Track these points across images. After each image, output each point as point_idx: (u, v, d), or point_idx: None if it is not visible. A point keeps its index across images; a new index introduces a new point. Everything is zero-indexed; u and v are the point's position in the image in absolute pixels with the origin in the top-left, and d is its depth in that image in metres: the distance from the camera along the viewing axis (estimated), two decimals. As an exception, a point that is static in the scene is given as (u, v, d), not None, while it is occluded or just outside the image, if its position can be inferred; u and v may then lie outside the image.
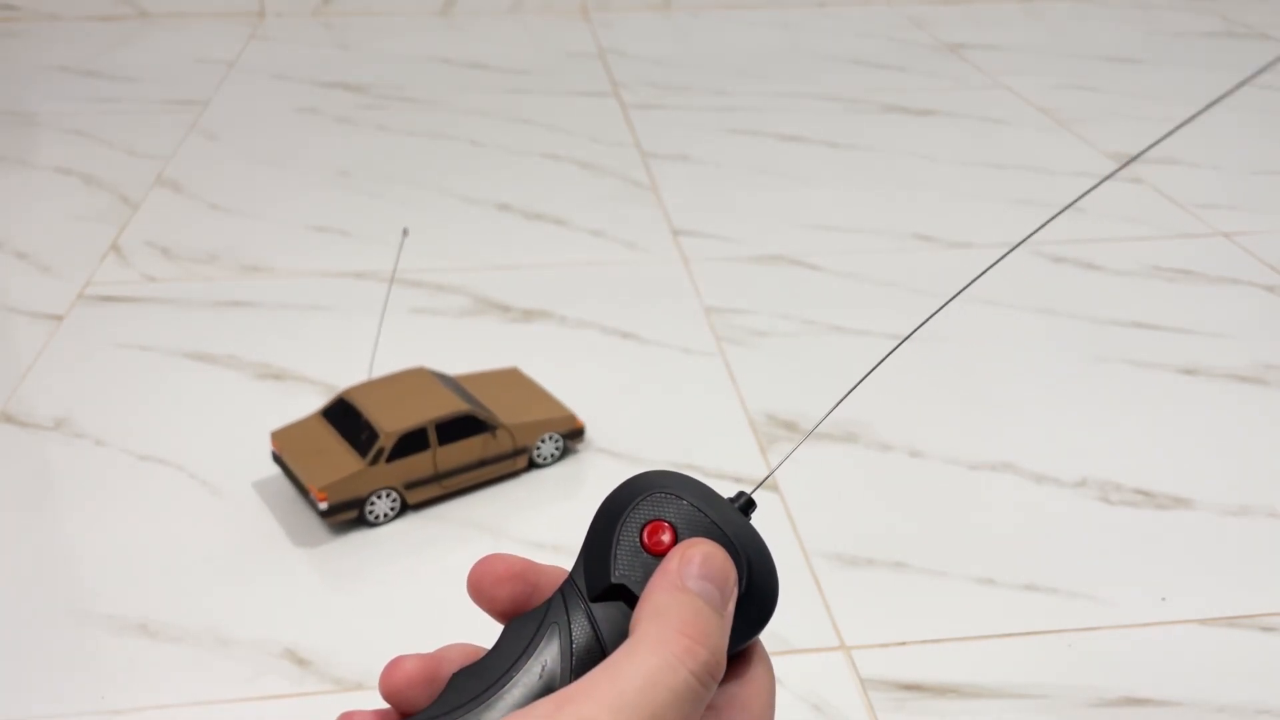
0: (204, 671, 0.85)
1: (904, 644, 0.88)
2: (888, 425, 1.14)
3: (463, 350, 1.26)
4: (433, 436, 0.98)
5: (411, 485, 0.99)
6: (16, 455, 1.09)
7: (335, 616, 0.91)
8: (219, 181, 1.70)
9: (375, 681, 0.84)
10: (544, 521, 1.01)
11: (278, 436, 1.01)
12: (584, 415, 1.12)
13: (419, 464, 0.98)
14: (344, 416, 1.01)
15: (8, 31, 2.44)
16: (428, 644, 0.44)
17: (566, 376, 1.21)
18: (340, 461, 0.96)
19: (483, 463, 1.01)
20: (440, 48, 2.37)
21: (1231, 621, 0.91)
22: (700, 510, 0.39)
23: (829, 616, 0.91)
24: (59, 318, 1.33)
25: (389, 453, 0.96)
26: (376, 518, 0.98)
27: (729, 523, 0.39)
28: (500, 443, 1.02)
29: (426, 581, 0.94)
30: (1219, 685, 0.85)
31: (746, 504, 0.41)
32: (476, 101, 2.04)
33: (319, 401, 1.16)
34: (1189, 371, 1.24)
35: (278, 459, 1.01)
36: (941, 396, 1.19)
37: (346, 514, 0.97)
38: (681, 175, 1.73)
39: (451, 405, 1.00)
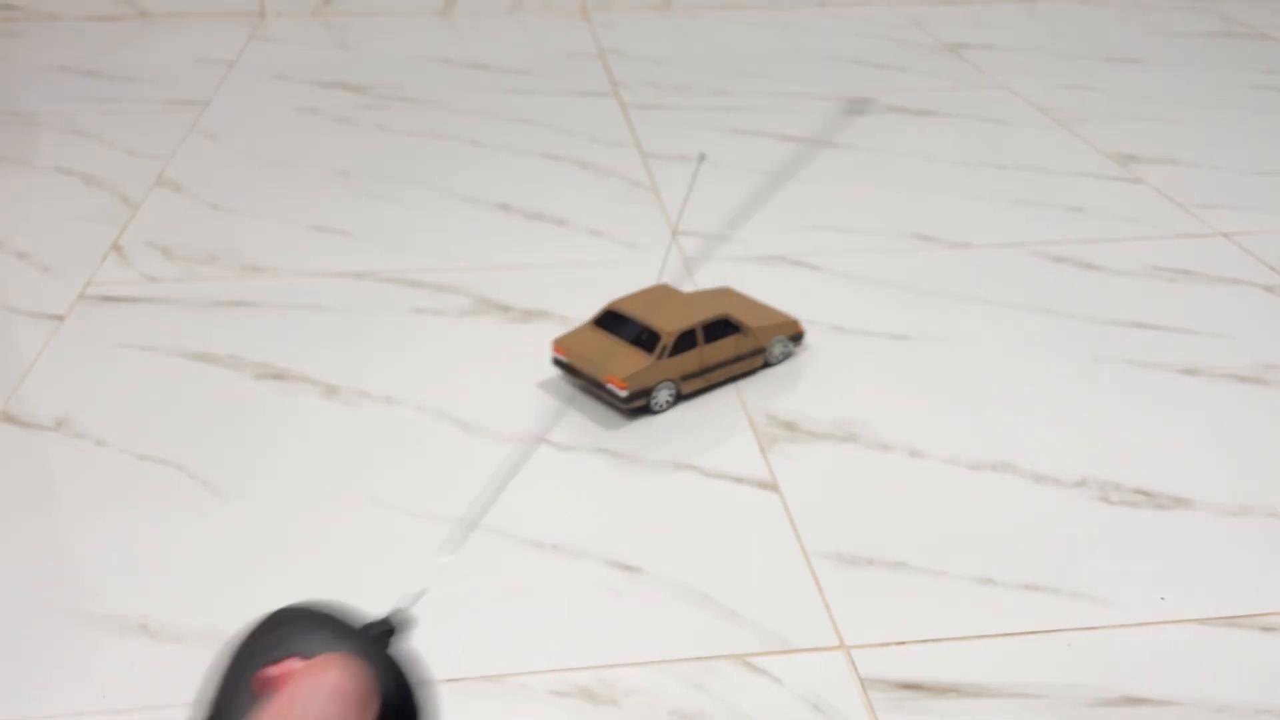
0: (204, 671, 0.85)
1: (903, 643, 0.88)
2: (887, 425, 1.14)
3: (464, 350, 1.26)
4: (700, 336, 1.15)
5: (686, 378, 1.15)
6: (17, 455, 1.09)
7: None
8: (219, 181, 1.70)
9: (375, 681, 0.85)
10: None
11: (561, 343, 1.16)
12: (584, 415, 1.12)
13: (690, 359, 1.14)
14: (616, 323, 1.16)
15: (8, 31, 2.44)
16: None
17: (566, 376, 1.21)
18: (632, 358, 1.12)
19: (734, 359, 1.18)
20: (440, 48, 2.37)
21: (1231, 621, 0.91)
22: (325, 643, 0.36)
23: (829, 616, 0.91)
24: (60, 318, 1.33)
25: (670, 349, 1.13)
26: (660, 406, 1.15)
27: (359, 651, 0.36)
28: (747, 342, 1.18)
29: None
30: (1218, 685, 0.85)
31: (386, 631, 0.38)
32: (477, 101, 2.05)
33: (320, 401, 1.16)
34: (1189, 371, 1.24)
35: (560, 362, 1.16)
36: (941, 396, 1.19)
37: (638, 401, 1.12)
38: (682, 175, 1.74)
39: (712, 309, 1.17)
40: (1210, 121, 1.98)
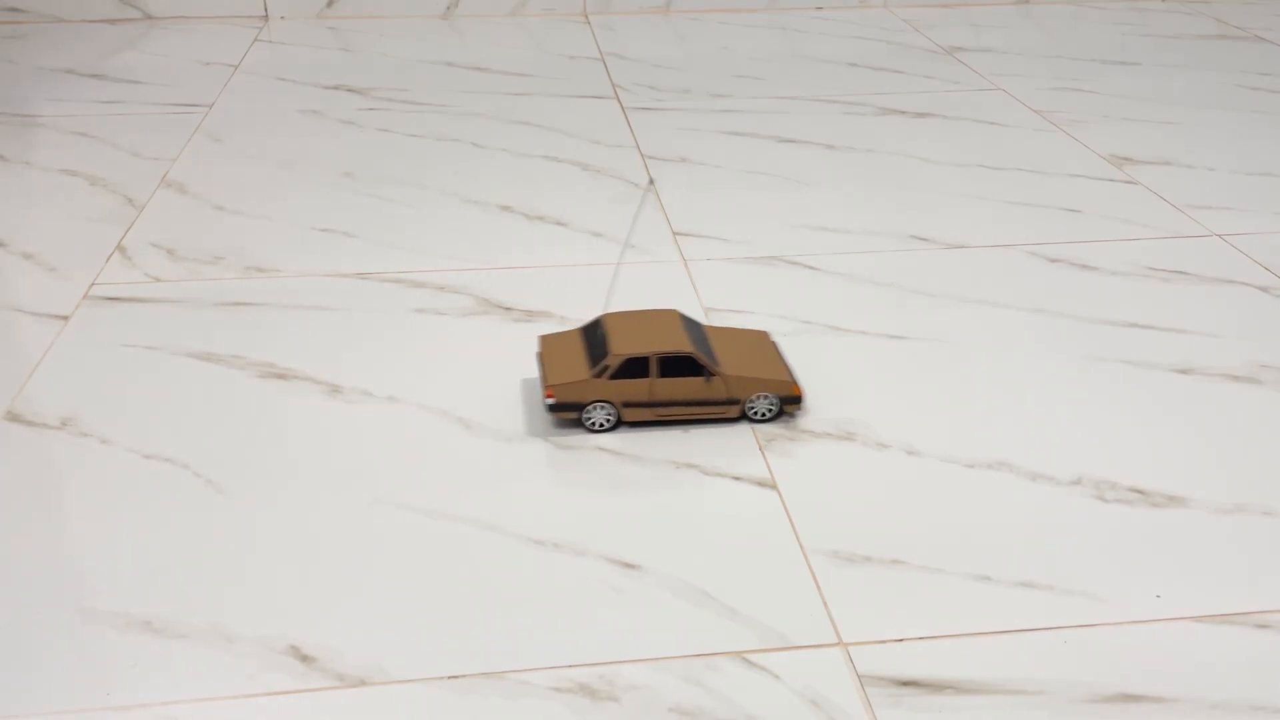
0: (208, 668, 0.86)
1: (901, 640, 0.89)
2: (885, 424, 1.15)
3: (466, 350, 1.27)
4: (654, 367, 1.11)
5: (629, 404, 1.12)
6: (23, 454, 1.10)
7: (339, 613, 0.92)
8: (223, 183, 1.71)
9: (378, 677, 0.86)
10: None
11: (544, 339, 1.17)
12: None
13: (636, 388, 1.11)
14: (594, 334, 1.15)
15: (14, 34, 2.45)
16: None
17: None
18: (575, 370, 1.12)
19: (696, 402, 1.13)
20: (442, 51, 2.38)
21: (1225, 619, 0.92)
22: None
23: (827, 613, 0.92)
24: (65, 318, 1.34)
25: (613, 371, 1.10)
26: (596, 425, 1.12)
27: None
28: (714, 388, 1.12)
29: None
30: (1213, 682, 0.86)
31: None
32: (478, 104, 2.06)
33: (323, 400, 1.17)
34: (1183, 371, 1.25)
35: (539, 358, 1.16)
36: (938, 396, 1.20)
37: (568, 413, 1.12)
38: (681, 177, 1.75)
39: (678, 344, 1.11)
40: (1205, 123, 1.99)
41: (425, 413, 1.16)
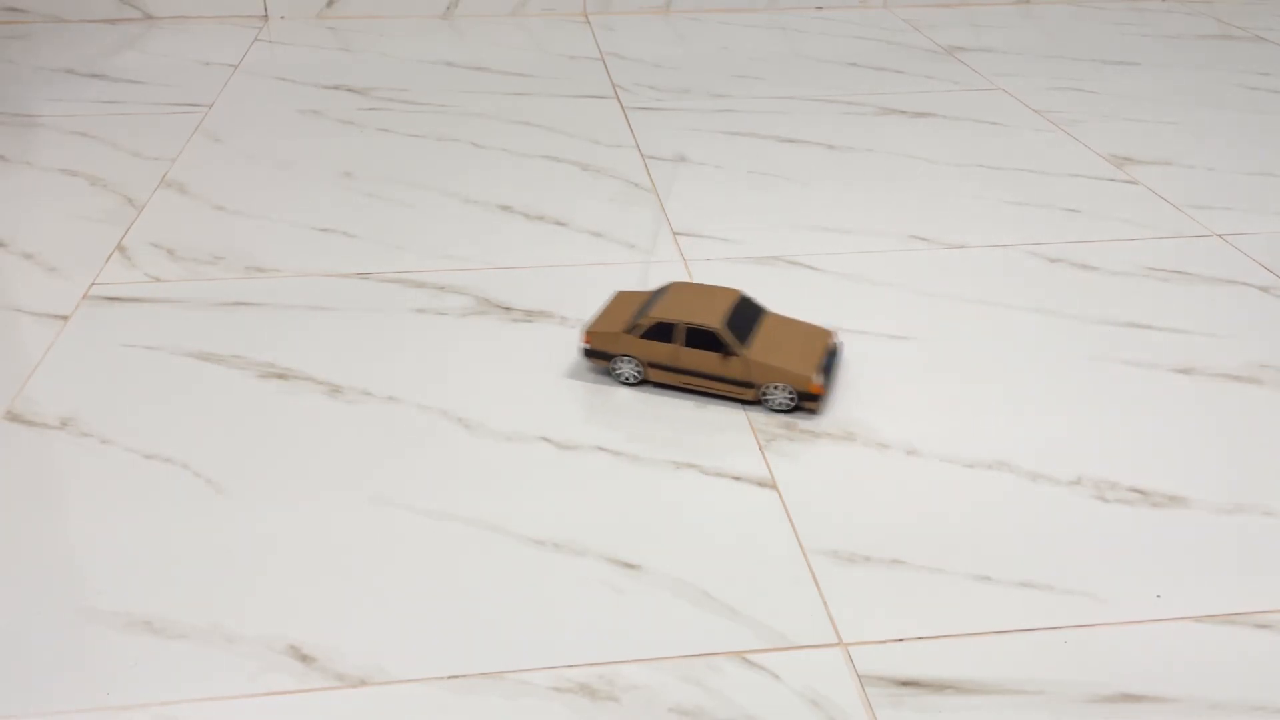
0: (208, 668, 0.86)
1: (901, 640, 0.89)
2: (885, 424, 1.15)
3: (465, 350, 1.27)
4: (681, 335, 1.17)
5: (653, 365, 1.19)
6: (23, 454, 1.10)
7: (339, 613, 0.92)
8: (223, 183, 1.71)
9: (378, 677, 0.86)
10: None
11: (618, 292, 1.28)
12: (583, 416, 1.13)
13: (662, 351, 1.18)
14: (655, 297, 1.23)
15: (14, 34, 2.45)
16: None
17: (568, 376, 1.22)
18: (614, 323, 1.21)
19: (714, 377, 1.18)
20: (442, 50, 2.38)
21: (1226, 619, 0.92)
22: None
23: (827, 613, 0.92)
24: (65, 318, 1.34)
25: (643, 331, 1.18)
26: (624, 377, 1.21)
27: None
28: (731, 367, 1.16)
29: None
30: (1213, 682, 0.86)
31: None
32: (478, 104, 2.06)
33: (323, 400, 1.17)
34: (1184, 371, 1.25)
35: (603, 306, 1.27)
36: (938, 396, 1.20)
37: (599, 360, 1.21)
38: (681, 177, 1.75)
39: (709, 319, 1.17)
40: (1205, 123, 2.00)
41: (425, 412, 1.16)
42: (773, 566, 0.97)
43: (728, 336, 1.16)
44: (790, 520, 1.02)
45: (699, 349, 1.16)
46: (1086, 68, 2.29)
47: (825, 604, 0.93)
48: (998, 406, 1.19)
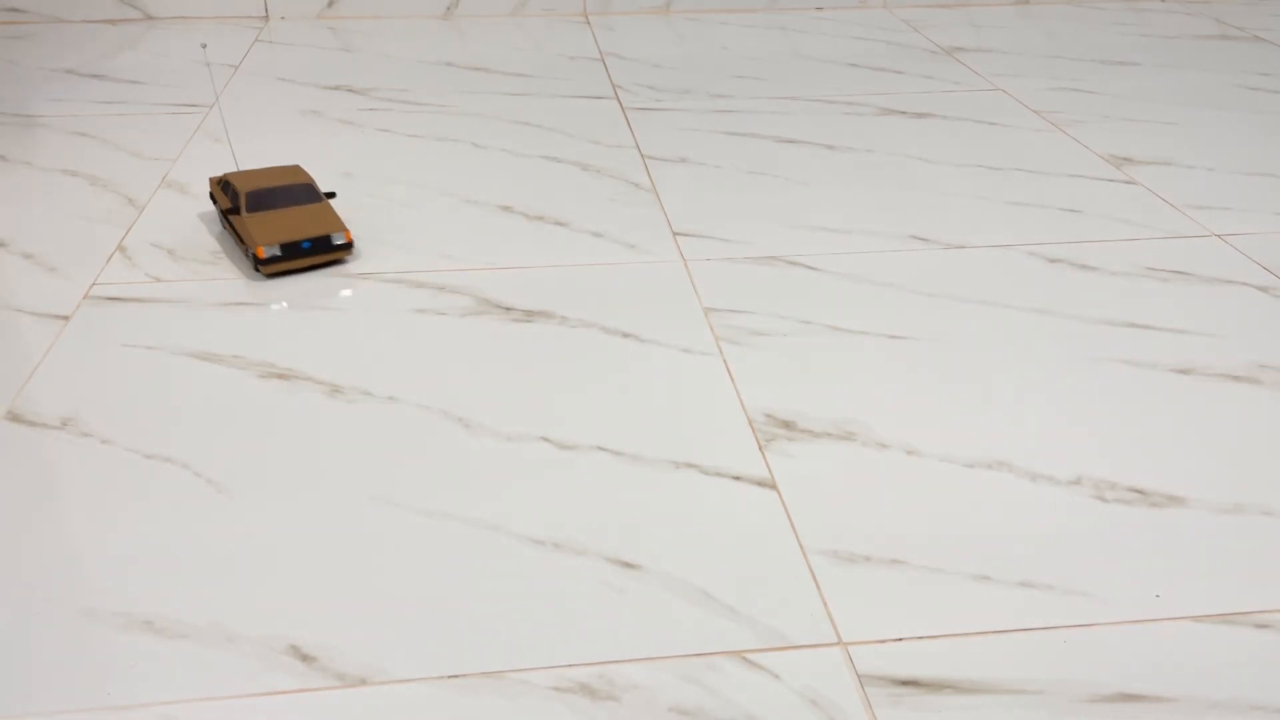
0: (208, 668, 0.86)
1: (901, 640, 0.89)
2: (884, 424, 1.15)
3: (466, 350, 1.28)
4: (241, 200, 1.48)
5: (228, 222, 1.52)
6: (24, 454, 1.10)
7: (339, 613, 0.92)
8: (222, 183, 1.71)
9: (378, 677, 0.86)
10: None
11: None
12: (583, 415, 1.13)
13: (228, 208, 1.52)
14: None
15: (14, 34, 2.45)
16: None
17: (568, 376, 1.22)
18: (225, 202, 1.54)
19: (236, 234, 1.48)
20: (443, 51, 2.39)
21: (1224, 619, 0.92)
22: None
23: (826, 613, 0.92)
24: (65, 318, 1.34)
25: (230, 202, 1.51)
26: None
27: None
28: (239, 225, 1.47)
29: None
30: (1212, 681, 0.86)
31: None
32: (478, 104, 2.06)
33: (323, 400, 1.18)
34: (1183, 371, 1.25)
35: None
36: (937, 395, 1.20)
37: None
38: (681, 177, 1.75)
39: (246, 185, 1.49)
40: (1205, 123, 2.00)
41: (425, 412, 1.16)
42: (772, 566, 0.97)
43: (240, 201, 1.46)
44: (790, 520, 1.02)
45: (235, 213, 1.46)
46: (1086, 68, 2.29)
47: (825, 604, 0.93)
48: (997, 407, 1.19)
